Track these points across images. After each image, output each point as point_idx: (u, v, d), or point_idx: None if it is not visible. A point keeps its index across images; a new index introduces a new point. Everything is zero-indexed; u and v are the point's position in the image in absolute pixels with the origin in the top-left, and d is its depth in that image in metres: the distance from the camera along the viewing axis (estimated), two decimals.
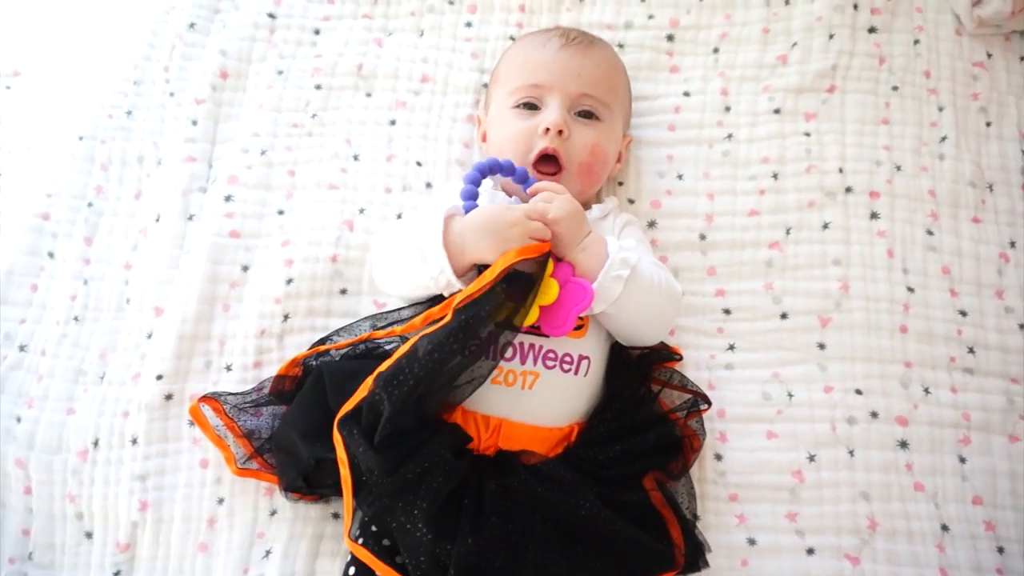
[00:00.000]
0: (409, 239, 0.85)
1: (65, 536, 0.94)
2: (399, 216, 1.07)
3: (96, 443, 0.95)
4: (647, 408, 0.90)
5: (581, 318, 0.86)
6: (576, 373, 0.87)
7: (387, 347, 0.89)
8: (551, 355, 0.86)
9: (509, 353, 0.84)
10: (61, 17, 1.24)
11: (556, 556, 0.78)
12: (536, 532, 0.78)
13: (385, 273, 0.91)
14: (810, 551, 0.91)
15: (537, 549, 0.77)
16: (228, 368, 0.98)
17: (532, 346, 0.85)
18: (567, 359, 0.86)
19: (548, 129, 0.92)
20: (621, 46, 1.15)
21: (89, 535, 0.93)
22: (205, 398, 0.90)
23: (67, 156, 1.09)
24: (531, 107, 0.96)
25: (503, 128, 0.97)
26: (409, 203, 1.07)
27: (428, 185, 1.09)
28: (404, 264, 0.86)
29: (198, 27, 1.17)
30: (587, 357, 0.88)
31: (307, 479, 0.86)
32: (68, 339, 1.01)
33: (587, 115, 0.95)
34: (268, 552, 0.91)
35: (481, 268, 0.81)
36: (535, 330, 0.84)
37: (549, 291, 0.81)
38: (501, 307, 0.78)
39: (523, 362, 0.85)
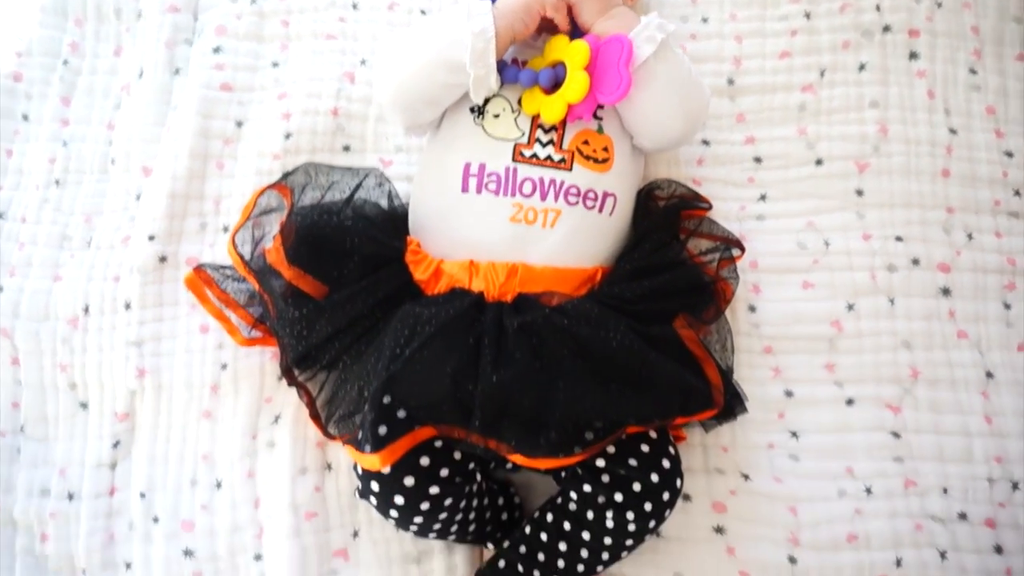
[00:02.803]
0: (446, 12, 0.80)
1: (58, 407, 0.88)
2: None
3: (86, 309, 0.89)
4: (675, 252, 0.84)
5: (606, 149, 0.81)
6: (600, 211, 0.80)
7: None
8: (573, 191, 0.79)
9: (528, 189, 0.78)
10: None
11: (588, 393, 0.71)
12: (565, 367, 0.71)
13: (400, 62, 0.80)
14: (849, 401, 0.87)
15: (568, 385, 0.71)
16: (225, 229, 0.91)
17: (553, 181, 0.78)
18: (591, 195, 0.79)
19: None
20: None
21: (84, 405, 0.88)
22: (196, 269, 0.82)
23: (36, 12, 1.01)
24: None
25: None
26: None
27: None
28: (433, 40, 0.77)
29: None
30: (612, 194, 0.81)
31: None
32: (49, 204, 0.94)
33: None
34: (277, 417, 0.86)
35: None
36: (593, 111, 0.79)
37: (577, 54, 0.75)
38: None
39: (543, 198, 0.78)
